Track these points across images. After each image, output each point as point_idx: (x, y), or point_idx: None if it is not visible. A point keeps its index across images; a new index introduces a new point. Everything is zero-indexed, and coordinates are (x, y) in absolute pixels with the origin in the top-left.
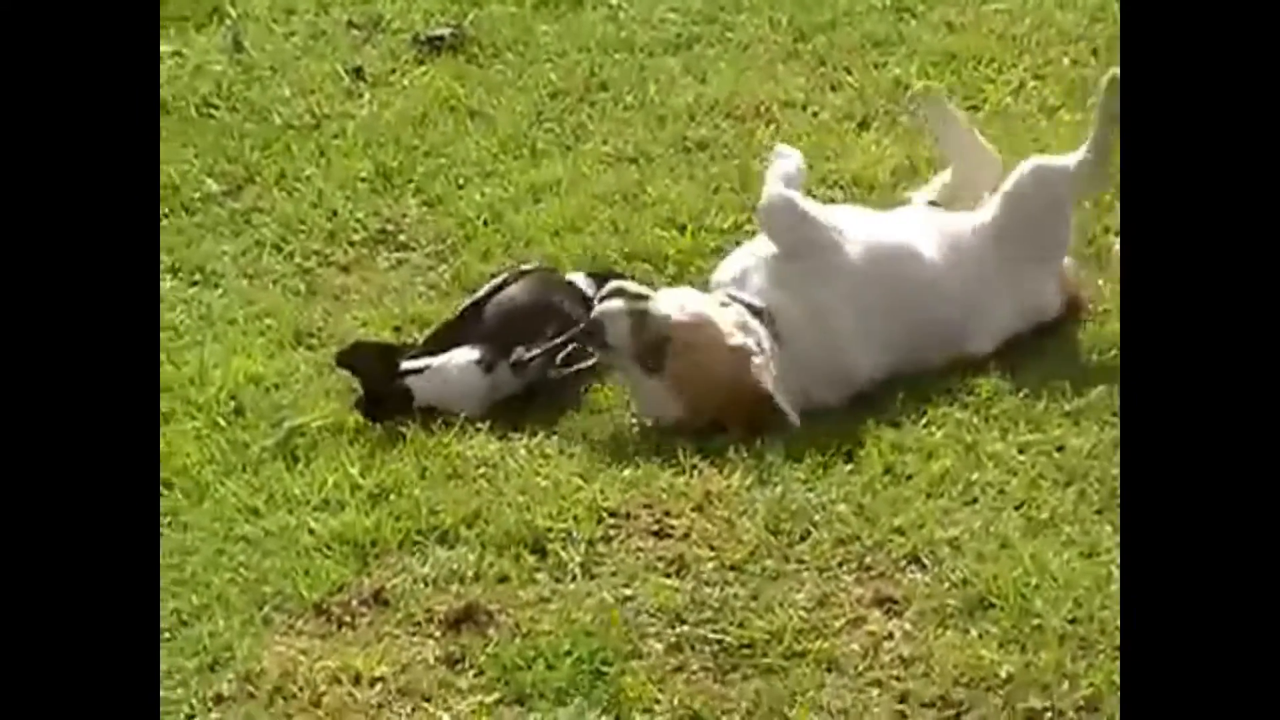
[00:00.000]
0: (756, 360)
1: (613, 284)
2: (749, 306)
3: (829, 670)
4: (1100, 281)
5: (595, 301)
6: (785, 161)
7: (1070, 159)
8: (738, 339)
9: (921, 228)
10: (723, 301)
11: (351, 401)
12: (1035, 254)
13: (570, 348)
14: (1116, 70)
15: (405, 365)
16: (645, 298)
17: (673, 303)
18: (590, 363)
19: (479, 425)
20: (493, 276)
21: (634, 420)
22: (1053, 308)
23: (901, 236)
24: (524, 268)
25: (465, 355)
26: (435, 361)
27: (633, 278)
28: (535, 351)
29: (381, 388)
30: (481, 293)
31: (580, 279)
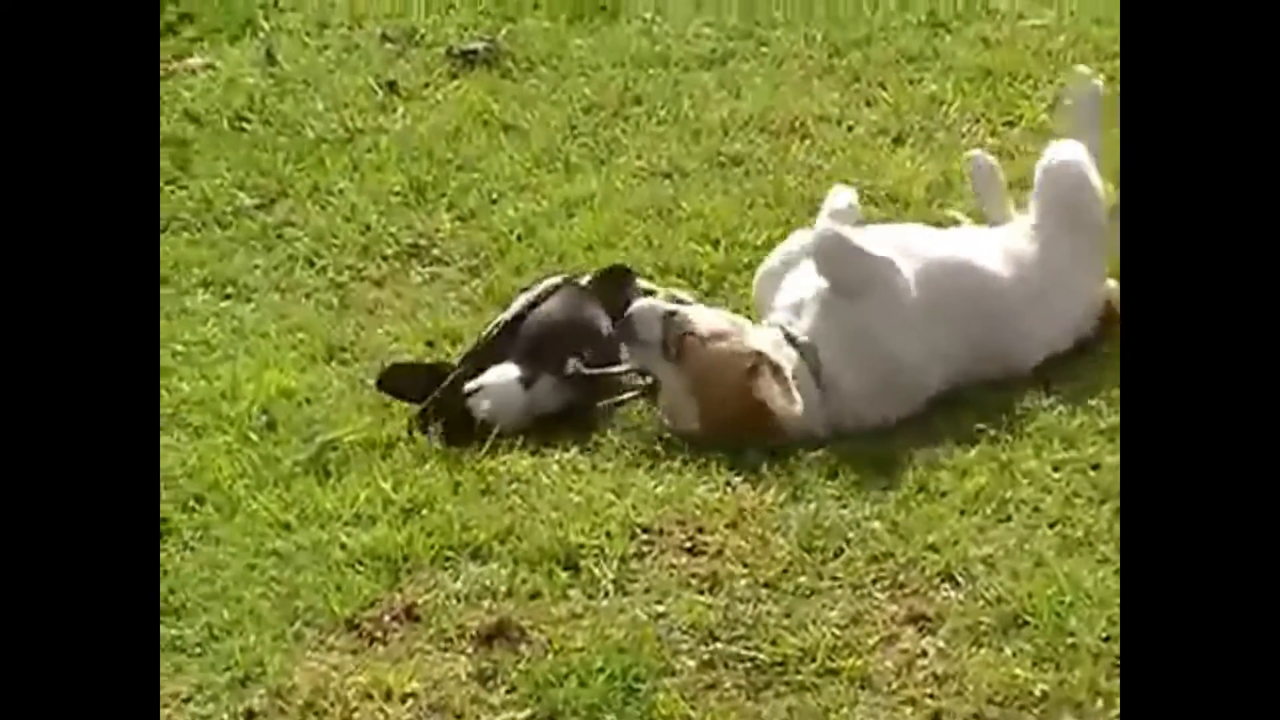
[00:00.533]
0: (764, 368)
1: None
2: (790, 338)
3: (862, 688)
4: None
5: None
6: (837, 198)
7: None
8: (751, 349)
9: (980, 242)
10: (773, 329)
11: (416, 418)
12: (1072, 232)
13: (624, 372)
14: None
15: (468, 386)
16: (680, 302)
17: (702, 310)
18: (635, 393)
19: (512, 441)
20: (522, 290)
21: (666, 436)
22: (1092, 315)
23: (962, 251)
24: (554, 281)
25: (506, 372)
26: (482, 379)
27: (651, 281)
28: (594, 372)
29: (439, 404)
30: (516, 309)
31: (585, 280)
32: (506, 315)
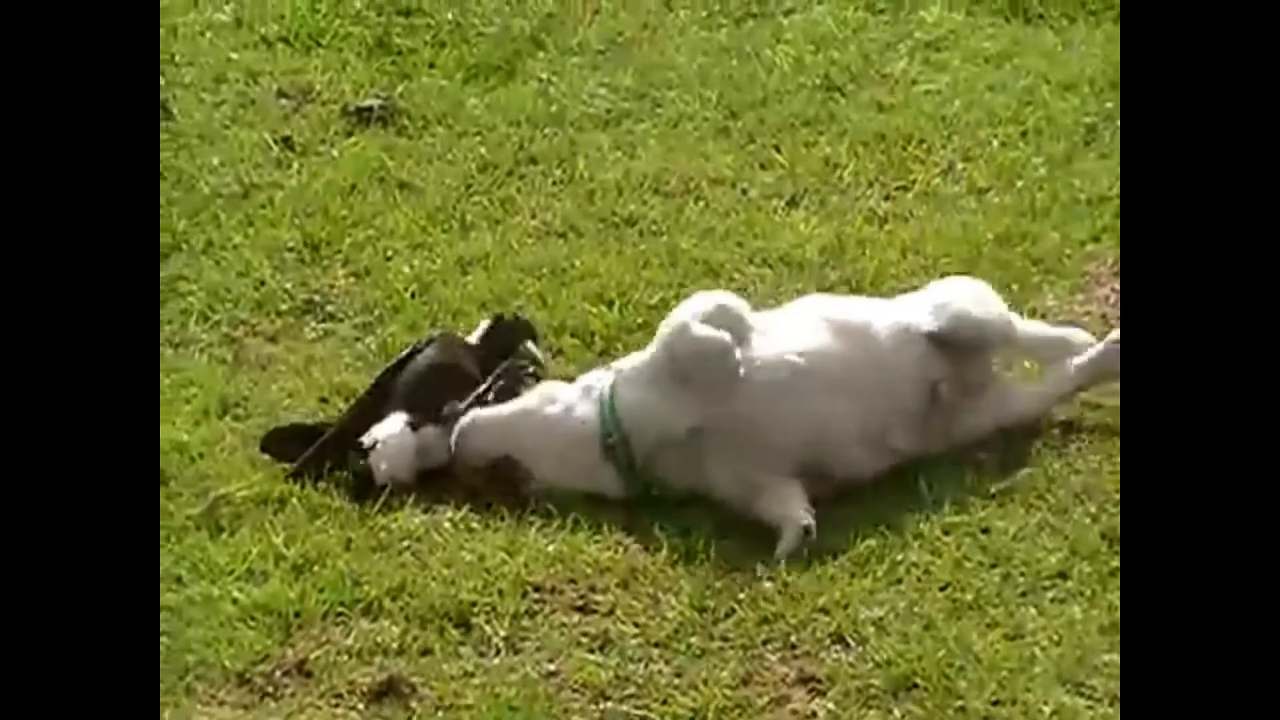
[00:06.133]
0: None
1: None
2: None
3: None
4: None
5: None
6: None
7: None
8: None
9: (838, 325)
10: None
11: (291, 476)
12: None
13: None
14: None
15: (365, 442)
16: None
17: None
18: None
19: (404, 498)
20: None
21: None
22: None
23: (817, 339)
24: (433, 334)
25: (394, 422)
26: (374, 434)
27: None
28: (466, 403)
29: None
30: (391, 363)
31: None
32: (380, 373)
